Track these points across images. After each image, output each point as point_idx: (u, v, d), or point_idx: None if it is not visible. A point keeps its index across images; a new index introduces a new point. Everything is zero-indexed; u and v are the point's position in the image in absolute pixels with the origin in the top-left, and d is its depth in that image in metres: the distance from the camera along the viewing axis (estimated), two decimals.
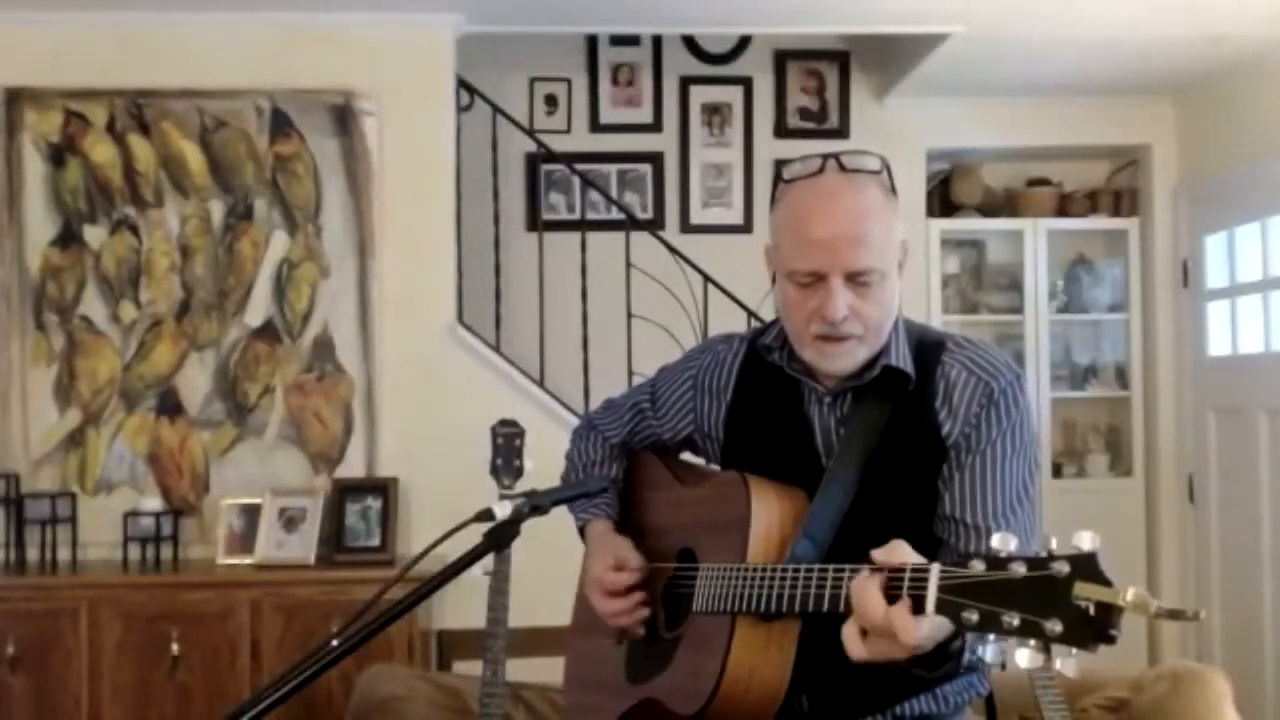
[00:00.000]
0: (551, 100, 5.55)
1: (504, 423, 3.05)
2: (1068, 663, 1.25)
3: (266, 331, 4.49)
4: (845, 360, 1.74)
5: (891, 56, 5.35)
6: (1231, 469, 5.16)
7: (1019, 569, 1.28)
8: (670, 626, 1.88)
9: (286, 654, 3.97)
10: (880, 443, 1.75)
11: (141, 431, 4.46)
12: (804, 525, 1.71)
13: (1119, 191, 5.80)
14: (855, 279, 1.69)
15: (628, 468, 2.11)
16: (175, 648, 3.97)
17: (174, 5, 4.37)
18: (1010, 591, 1.28)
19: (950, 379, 1.76)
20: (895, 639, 1.39)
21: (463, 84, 4.78)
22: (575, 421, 2.44)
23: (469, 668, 3.36)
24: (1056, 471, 5.74)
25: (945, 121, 5.53)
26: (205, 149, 4.50)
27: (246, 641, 4.01)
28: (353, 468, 4.48)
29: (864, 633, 1.44)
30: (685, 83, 5.59)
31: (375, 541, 4.31)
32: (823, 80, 5.63)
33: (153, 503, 4.34)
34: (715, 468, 1.97)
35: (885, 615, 1.39)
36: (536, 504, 1.68)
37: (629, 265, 4.93)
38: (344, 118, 4.51)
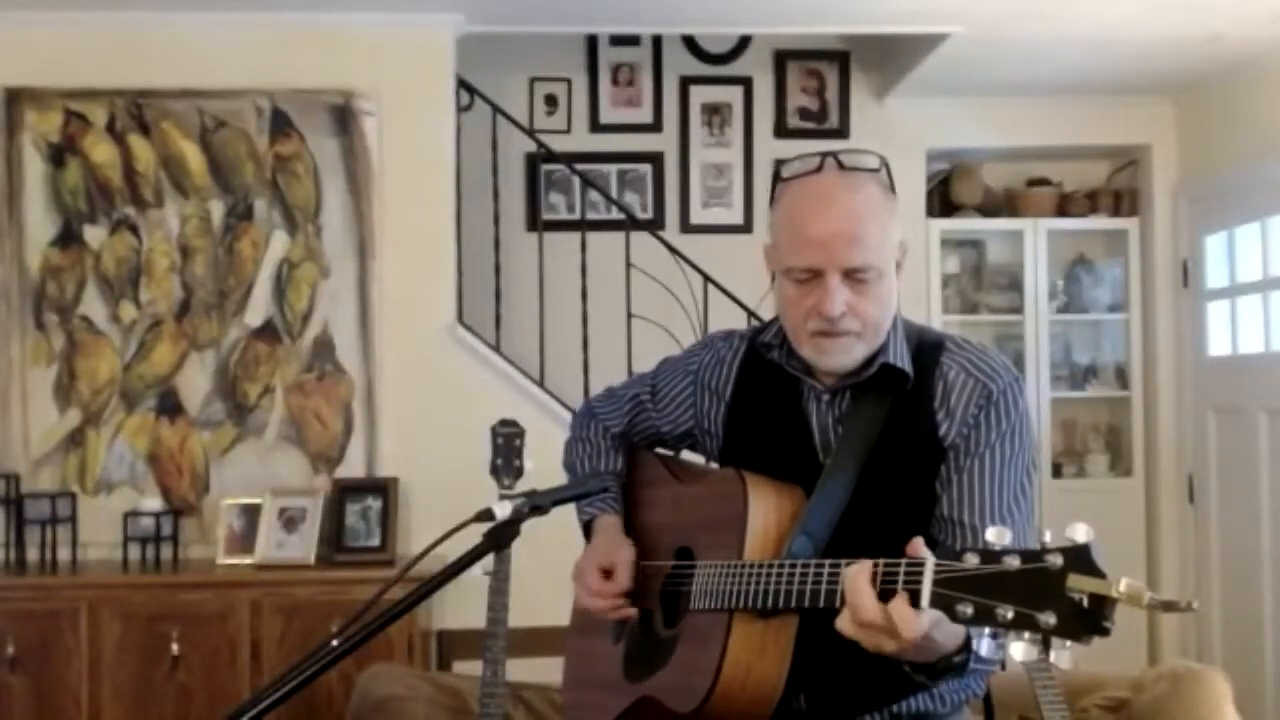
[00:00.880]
0: (551, 100, 5.55)
1: (504, 423, 3.05)
2: (1062, 655, 1.25)
3: (266, 331, 4.49)
4: (843, 356, 1.75)
5: (891, 56, 5.35)
6: (1231, 469, 5.16)
7: (1013, 562, 1.28)
8: (668, 624, 1.88)
9: (286, 654, 3.97)
10: (878, 441, 1.75)
11: (141, 431, 4.46)
12: (801, 522, 1.71)
13: (1119, 191, 5.80)
14: (852, 276, 1.70)
15: (627, 466, 2.11)
16: (175, 648, 3.97)
17: (174, 5, 4.37)
18: (1004, 584, 1.28)
19: (949, 380, 1.77)
20: (893, 633, 1.39)
21: (463, 84, 4.78)
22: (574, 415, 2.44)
23: (469, 668, 3.36)
24: (1056, 471, 5.74)
25: (945, 121, 5.53)
26: (205, 149, 4.50)
27: (246, 641, 4.01)
28: (353, 468, 4.48)
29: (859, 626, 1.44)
30: (685, 83, 5.59)
31: (375, 541, 4.31)
32: (823, 80, 5.63)
33: (153, 503, 4.34)
34: (713, 465, 1.97)
35: (880, 611, 1.39)
36: (536, 504, 1.68)
37: (629, 265, 4.93)
38: (344, 118, 4.51)
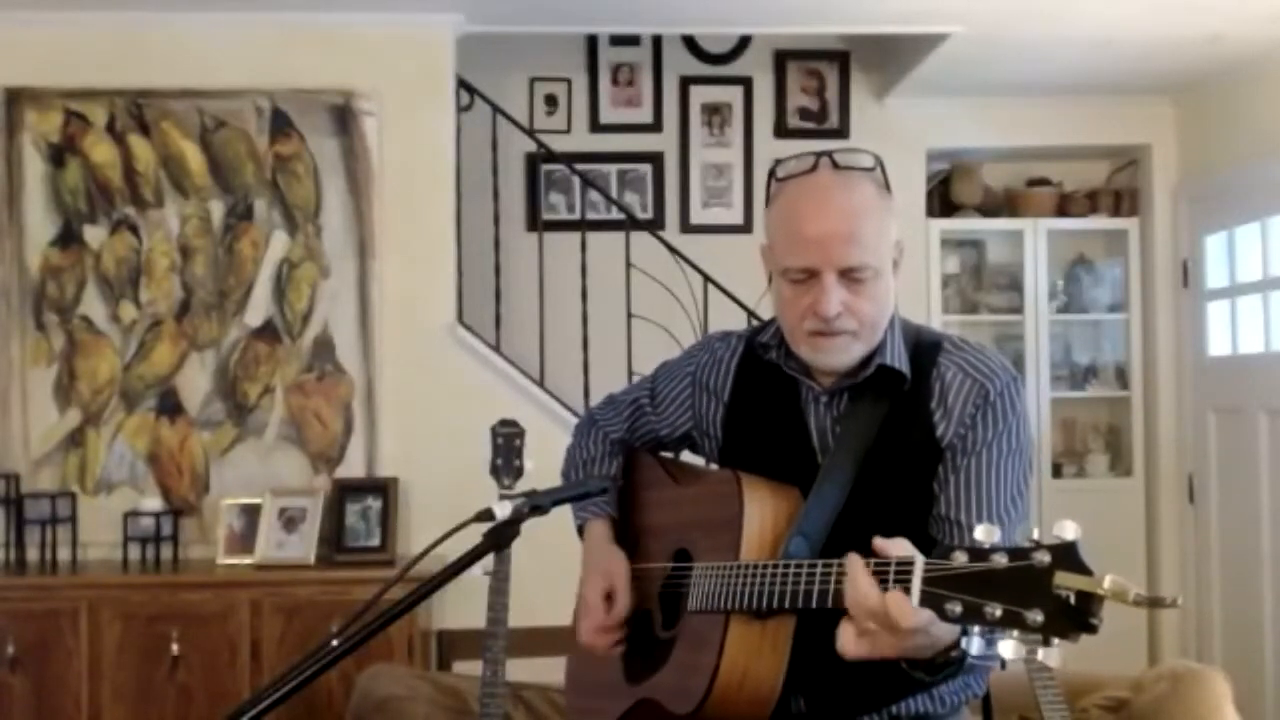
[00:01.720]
0: (551, 100, 5.55)
1: (504, 423, 3.05)
2: (1051, 653, 1.25)
3: (266, 331, 4.49)
4: (840, 355, 1.75)
5: (891, 56, 5.35)
6: (1231, 469, 5.16)
7: (1000, 560, 1.28)
8: (667, 626, 1.89)
9: (286, 654, 3.97)
10: (875, 442, 1.75)
11: (141, 431, 4.46)
12: (798, 523, 1.71)
13: (1119, 191, 5.80)
14: (848, 275, 1.70)
15: (626, 468, 2.11)
16: (175, 648, 3.97)
17: (174, 5, 4.37)
18: (992, 582, 1.28)
19: (946, 380, 1.76)
20: (892, 628, 1.39)
21: (463, 84, 4.78)
22: (575, 421, 2.44)
23: (469, 668, 3.36)
24: (1056, 471, 5.74)
25: (945, 121, 5.53)
26: (205, 149, 4.50)
27: (246, 641, 4.01)
28: (353, 468, 4.48)
29: (860, 633, 1.44)
30: (685, 83, 5.59)
31: (375, 541, 4.31)
32: (823, 80, 5.63)
33: (153, 503, 4.34)
34: (712, 467, 1.97)
35: (880, 601, 1.39)
36: (536, 504, 1.68)
37: (629, 265, 4.93)
38: (344, 118, 4.51)
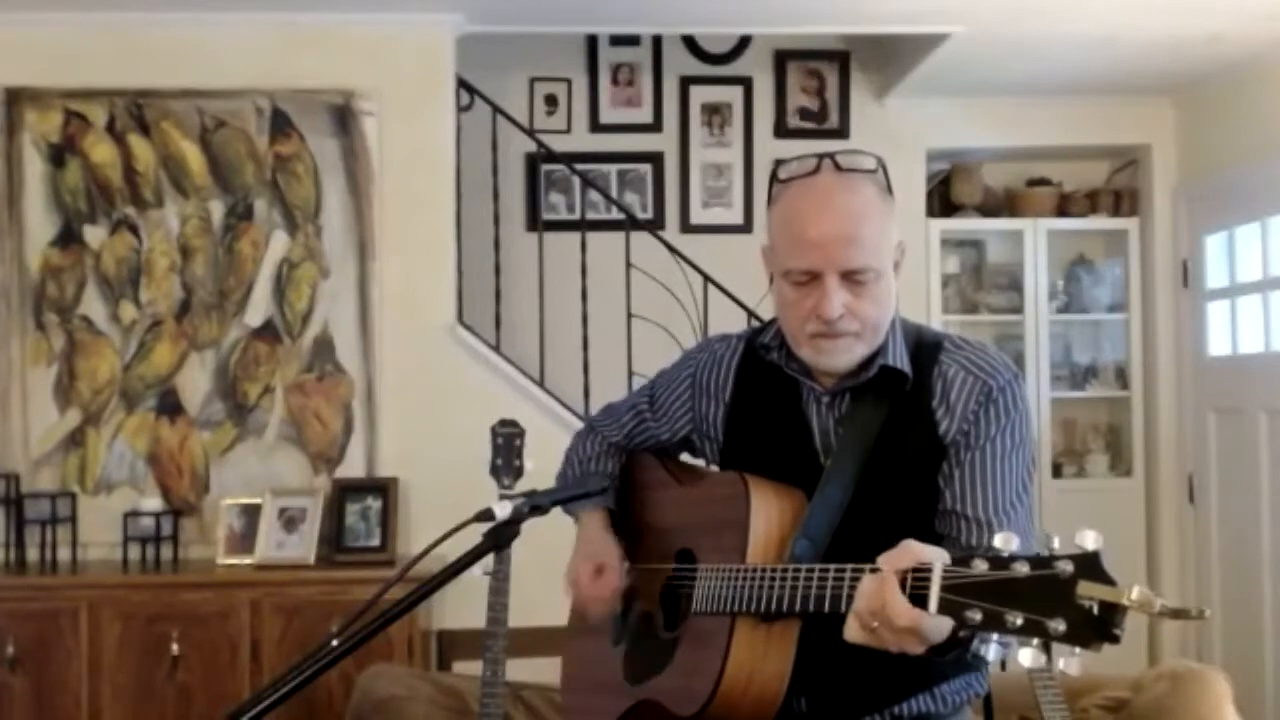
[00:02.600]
0: (551, 100, 5.55)
1: (504, 423, 3.05)
2: (1071, 662, 1.25)
3: (266, 331, 4.50)
4: (842, 356, 1.75)
5: (891, 56, 5.35)
6: (1231, 469, 5.16)
7: (1022, 568, 1.28)
8: (669, 627, 1.88)
9: (286, 654, 3.97)
10: (878, 442, 1.75)
11: (141, 431, 4.46)
12: (803, 525, 1.71)
13: (1119, 191, 5.80)
14: (850, 277, 1.70)
15: (627, 469, 2.11)
16: (175, 648, 3.97)
17: (174, 5, 4.37)
18: (1013, 591, 1.28)
19: (948, 379, 1.76)
20: (922, 639, 1.38)
21: (463, 84, 4.78)
22: (575, 422, 2.44)
23: (469, 668, 3.36)
24: (1056, 471, 5.73)
25: (945, 121, 5.53)
26: (205, 149, 4.50)
27: (246, 641, 4.01)
28: (353, 468, 4.48)
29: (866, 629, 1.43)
30: (685, 83, 5.59)
31: (375, 541, 4.31)
32: (823, 80, 5.63)
33: (153, 503, 4.34)
34: (714, 468, 1.97)
35: (914, 617, 1.36)
36: (536, 504, 1.68)
37: (629, 265, 4.93)
38: (344, 118, 4.51)
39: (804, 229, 1.70)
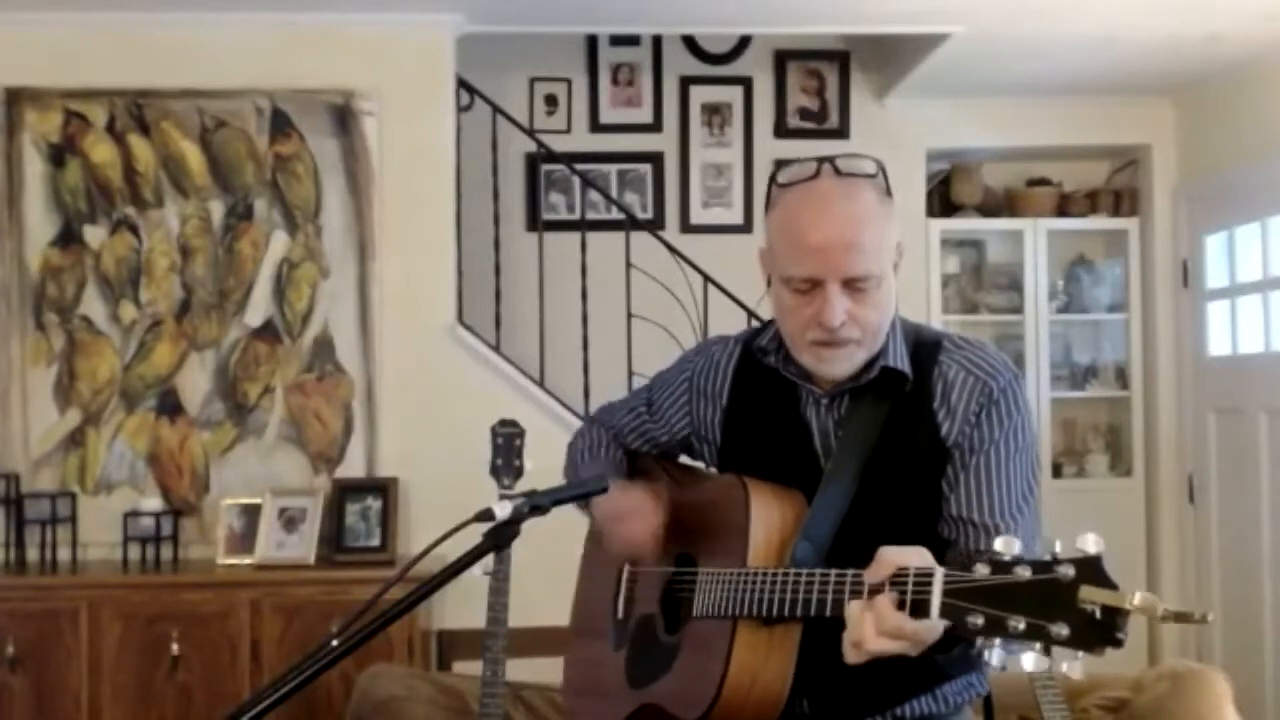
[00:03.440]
0: (551, 100, 5.55)
1: (504, 423, 3.05)
2: (1074, 666, 1.25)
3: (266, 331, 4.49)
4: (843, 365, 1.74)
5: (891, 56, 5.35)
6: (1231, 469, 5.16)
7: (1024, 573, 1.28)
8: (670, 631, 1.87)
9: (286, 654, 3.97)
10: (878, 444, 1.74)
11: (141, 431, 4.46)
12: (804, 528, 1.70)
13: (1119, 191, 5.80)
14: (852, 284, 1.68)
15: (627, 470, 2.10)
16: (175, 648, 3.97)
17: (174, 5, 4.37)
18: (1015, 595, 1.28)
19: (948, 379, 1.76)
20: (918, 642, 1.39)
21: (463, 84, 4.78)
22: (575, 422, 2.43)
23: (469, 668, 3.36)
24: (1056, 471, 5.73)
25: (945, 121, 5.53)
26: (205, 149, 4.50)
27: (246, 641, 4.01)
28: (353, 468, 4.48)
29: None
30: (685, 83, 5.59)
31: (375, 541, 4.31)
32: (823, 80, 5.63)
33: (153, 503, 4.34)
34: (712, 471, 1.96)
35: (914, 629, 1.37)
36: (536, 504, 1.68)
37: (629, 265, 4.93)
38: (344, 118, 4.51)
39: (804, 236, 1.69)
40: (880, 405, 1.76)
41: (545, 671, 2.97)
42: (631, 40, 5.51)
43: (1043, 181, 5.81)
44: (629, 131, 5.56)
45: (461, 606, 3.94)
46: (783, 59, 5.62)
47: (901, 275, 1.77)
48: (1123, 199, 5.77)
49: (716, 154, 5.60)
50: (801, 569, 1.63)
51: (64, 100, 4.46)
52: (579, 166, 5.22)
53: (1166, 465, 5.58)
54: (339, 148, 4.51)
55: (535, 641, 3.15)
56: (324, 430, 4.49)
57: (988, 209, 5.77)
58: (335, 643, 1.47)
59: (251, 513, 4.32)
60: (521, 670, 3.12)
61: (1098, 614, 1.23)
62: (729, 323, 4.52)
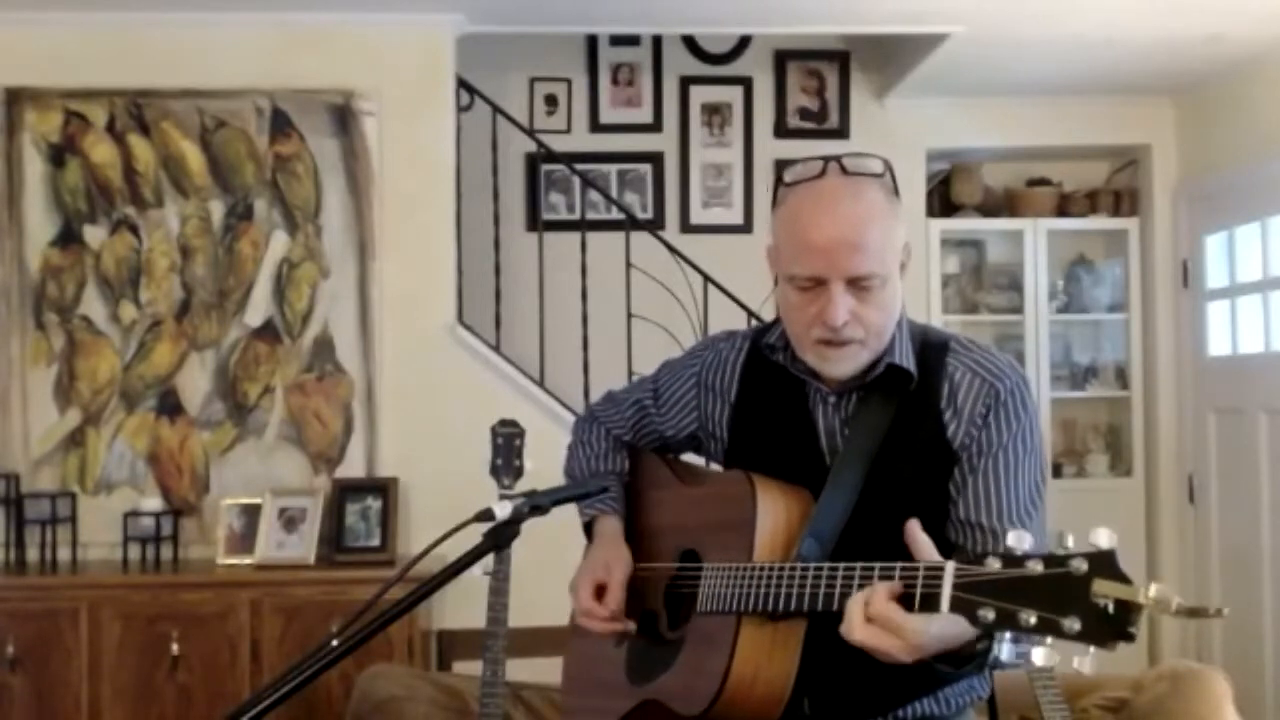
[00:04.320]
0: (551, 100, 5.55)
1: (504, 423, 3.05)
2: (1085, 661, 1.24)
3: (266, 331, 4.49)
4: (847, 364, 1.74)
5: (891, 56, 5.35)
6: (1231, 469, 5.16)
7: (1036, 566, 1.27)
8: (673, 627, 1.87)
9: (286, 654, 3.97)
10: (885, 443, 1.74)
11: (141, 431, 4.46)
12: (810, 525, 1.70)
13: (1119, 191, 5.80)
14: (856, 284, 1.68)
15: (630, 467, 2.10)
16: (175, 648, 3.97)
17: (174, 5, 4.37)
18: (1027, 589, 1.27)
19: (955, 381, 1.75)
20: (904, 640, 1.40)
21: (463, 84, 4.78)
22: (575, 421, 2.42)
23: (469, 668, 3.36)
24: (1056, 471, 5.73)
25: (945, 121, 5.53)
26: (205, 149, 4.50)
27: (246, 641, 4.01)
28: (353, 468, 4.48)
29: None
30: (685, 83, 5.59)
31: (375, 541, 4.31)
32: (823, 80, 5.63)
33: (153, 503, 4.34)
34: (717, 467, 1.96)
35: (901, 621, 1.40)
36: (536, 504, 1.68)
37: (629, 265, 4.93)
38: (344, 118, 4.51)
39: (809, 234, 1.68)
40: (887, 405, 1.75)
41: (545, 671, 2.97)
42: (631, 40, 5.51)
43: (1043, 181, 5.81)
44: (629, 131, 5.56)
45: (461, 606, 3.94)
46: (783, 59, 5.62)
47: (906, 275, 1.77)
48: (1123, 199, 5.77)
49: (716, 154, 5.60)
50: (807, 564, 1.63)
51: (64, 100, 4.46)
52: (579, 166, 5.22)
53: (1166, 465, 5.58)
54: (339, 148, 4.51)
55: (535, 641, 3.15)
56: (324, 430, 4.49)
57: (988, 209, 5.77)
58: (335, 643, 1.48)
59: (251, 513, 4.32)
60: (521, 670, 3.12)
61: (1110, 608, 1.22)
62: (729, 323, 4.51)
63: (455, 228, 4.62)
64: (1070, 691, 2.83)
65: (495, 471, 3.01)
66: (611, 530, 2.00)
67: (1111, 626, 1.23)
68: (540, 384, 4.72)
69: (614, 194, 5.41)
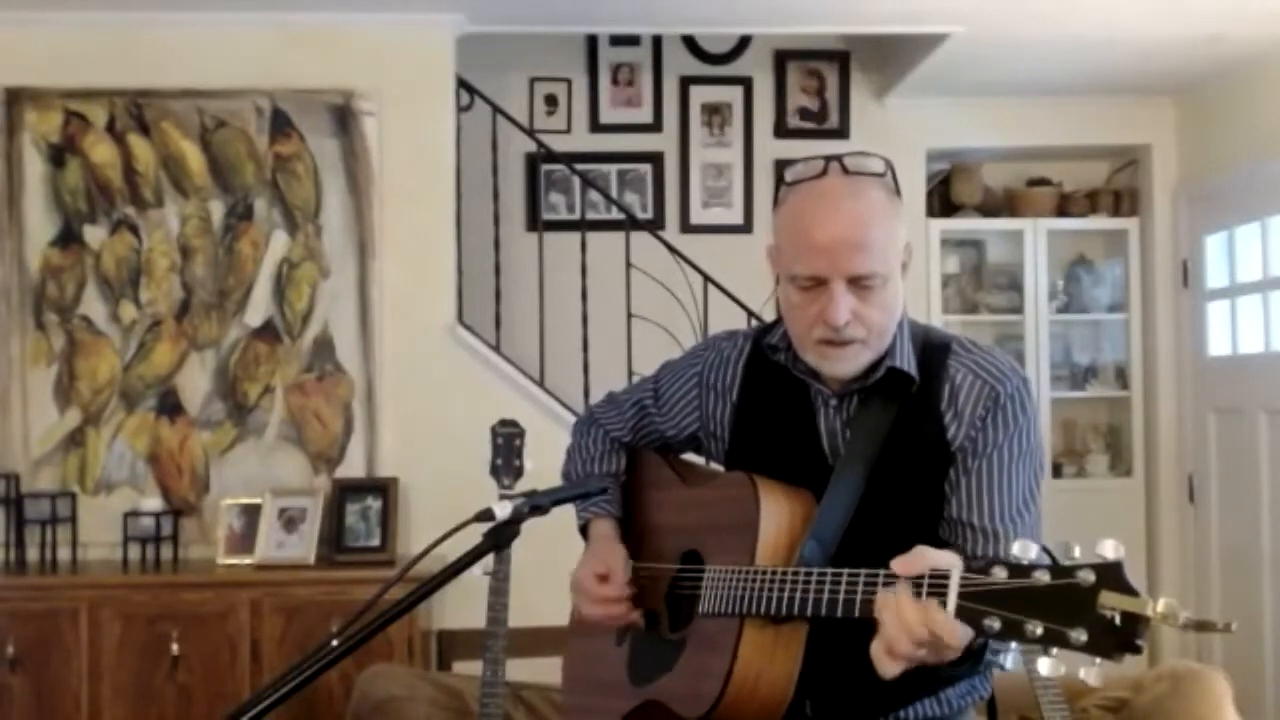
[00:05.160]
0: (551, 100, 5.55)
1: (504, 423, 3.05)
2: (1091, 672, 1.24)
3: (266, 331, 4.49)
4: (848, 364, 1.73)
5: (891, 56, 5.35)
6: (1231, 469, 5.16)
7: (1043, 577, 1.27)
8: (674, 628, 1.87)
9: (286, 654, 3.97)
10: (886, 445, 1.73)
11: (141, 431, 4.46)
12: (812, 527, 1.70)
13: (1119, 191, 5.80)
14: (857, 283, 1.67)
15: (631, 467, 2.09)
16: (175, 648, 3.97)
17: (174, 5, 4.37)
18: (1033, 599, 1.26)
19: (956, 382, 1.75)
20: (939, 646, 1.38)
21: (463, 84, 4.78)
22: (575, 421, 2.42)
23: (469, 668, 3.36)
24: (1056, 472, 5.73)
25: (945, 121, 5.53)
26: (205, 149, 4.50)
27: (246, 641, 4.01)
28: (353, 468, 4.48)
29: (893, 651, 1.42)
30: (685, 83, 5.59)
31: (375, 541, 4.31)
32: (823, 80, 5.63)
33: (153, 503, 4.34)
34: (719, 468, 1.95)
35: (925, 627, 1.36)
36: (536, 504, 1.68)
37: (629, 265, 4.93)
38: (344, 118, 4.51)
39: (810, 234, 1.68)
40: (889, 407, 1.75)
41: (545, 671, 2.97)
42: (631, 40, 5.51)
43: (1043, 181, 5.81)
44: (629, 131, 5.56)
45: (461, 606, 3.94)
46: (783, 59, 5.62)
47: (907, 275, 1.77)
48: (1123, 199, 5.77)
49: (716, 154, 5.60)
50: (810, 568, 1.63)
51: (64, 100, 4.46)
52: (579, 166, 5.22)
53: (1166, 465, 5.58)
54: (339, 148, 4.51)
55: (535, 641, 3.15)
56: (324, 430, 4.49)
57: (988, 209, 5.77)
58: (335, 643, 1.47)
59: (251, 513, 4.32)
60: (521, 670, 3.12)
61: (1117, 620, 1.22)
62: (729, 323, 4.51)
63: (455, 228, 4.62)
64: (1070, 692, 2.83)
65: (495, 471, 3.01)
66: (607, 532, 2.00)
67: (1118, 638, 1.22)
68: (540, 384, 4.72)
69: (614, 194, 5.41)
